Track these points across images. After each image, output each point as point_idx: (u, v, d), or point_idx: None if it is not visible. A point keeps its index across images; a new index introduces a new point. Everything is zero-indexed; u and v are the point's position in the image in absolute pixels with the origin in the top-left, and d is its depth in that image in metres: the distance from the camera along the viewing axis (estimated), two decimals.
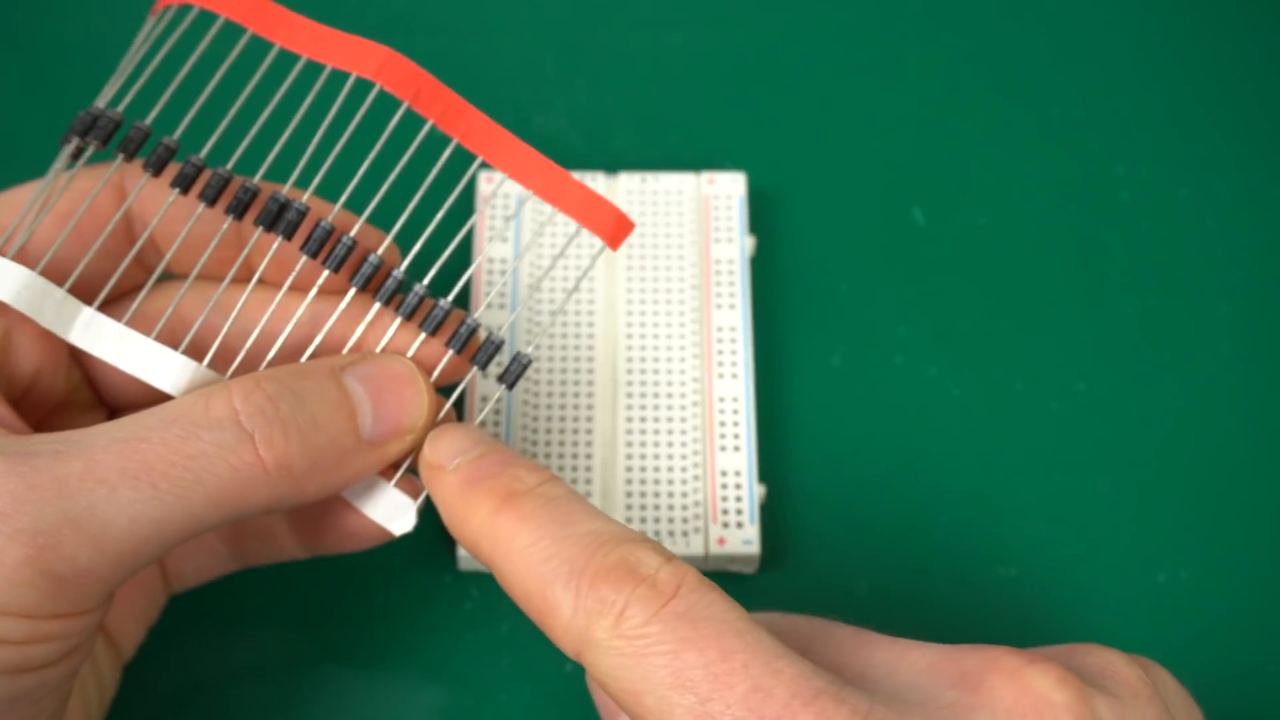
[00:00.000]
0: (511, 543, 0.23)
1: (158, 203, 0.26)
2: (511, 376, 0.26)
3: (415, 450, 0.25)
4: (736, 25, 0.42)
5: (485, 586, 0.32)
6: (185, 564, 0.30)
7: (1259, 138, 0.40)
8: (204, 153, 0.25)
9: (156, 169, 0.25)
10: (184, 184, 0.25)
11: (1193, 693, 0.25)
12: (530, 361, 0.26)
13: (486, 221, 0.35)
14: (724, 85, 0.41)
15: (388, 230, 0.25)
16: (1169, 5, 0.43)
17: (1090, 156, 0.40)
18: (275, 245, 0.25)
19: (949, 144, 0.40)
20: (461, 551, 0.32)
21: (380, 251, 0.25)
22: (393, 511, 0.26)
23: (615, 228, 0.25)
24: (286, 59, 0.25)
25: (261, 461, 0.23)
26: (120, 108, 0.25)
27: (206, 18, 0.25)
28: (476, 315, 0.26)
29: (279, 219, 0.24)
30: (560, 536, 0.23)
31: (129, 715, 0.29)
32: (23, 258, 0.24)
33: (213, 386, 0.23)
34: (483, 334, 0.26)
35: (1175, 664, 0.25)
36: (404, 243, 0.25)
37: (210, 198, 0.24)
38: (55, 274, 0.24)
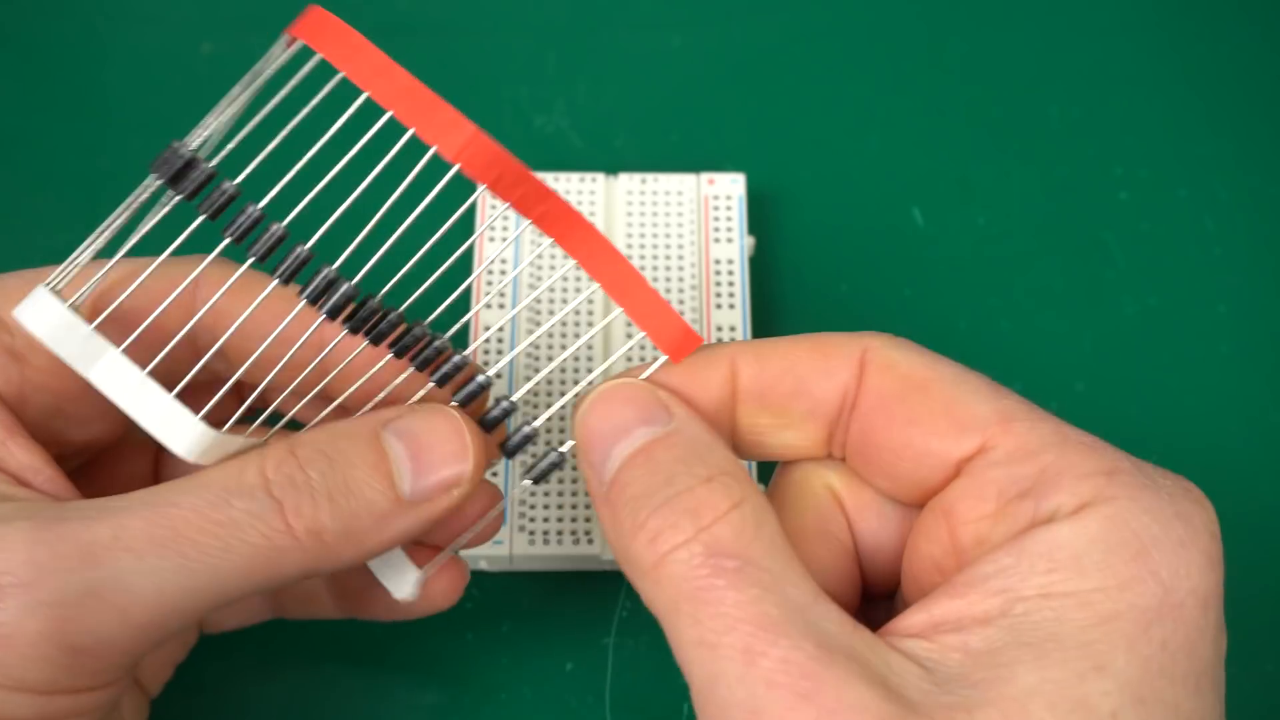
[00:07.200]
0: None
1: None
2: (539, 472, 0.24)
3: (461, 505, 0.24)
4: (736, 27, 0.42)
5: (485, 586, 0.32)
6: (223, 614, 0.29)
7: (1258, 138, 0.40)
8: (263, 204, 0.22)
9: (264, 262, 0.22)
10: (238, 235, 0.22)
11: None
12: (562, 460, 0.24)
13: (487, 234, 0.35)
14: (724, 86, 0.41)
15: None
16: (1168, 5, 0.43)
17: (1089, 157, 0.40)
18: (318, 322, 0.23)
19: (949, 144, 0.40)
20: (463, 551, 0.31)
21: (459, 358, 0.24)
22: (397, 575, 0.25)
23: (681, 342, 0.23)
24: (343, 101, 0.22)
25: (291, 529, 0.22)
26: (194, 142, 0.22)
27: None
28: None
29: (325, 296, 0.23)
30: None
31: None
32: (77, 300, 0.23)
33: (250, 453, 0.23)
34: (514, 420, 0.24)
35: None
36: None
37: (262, 255, 0.22)
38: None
